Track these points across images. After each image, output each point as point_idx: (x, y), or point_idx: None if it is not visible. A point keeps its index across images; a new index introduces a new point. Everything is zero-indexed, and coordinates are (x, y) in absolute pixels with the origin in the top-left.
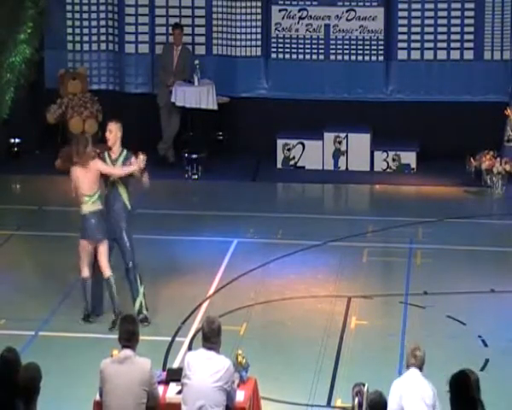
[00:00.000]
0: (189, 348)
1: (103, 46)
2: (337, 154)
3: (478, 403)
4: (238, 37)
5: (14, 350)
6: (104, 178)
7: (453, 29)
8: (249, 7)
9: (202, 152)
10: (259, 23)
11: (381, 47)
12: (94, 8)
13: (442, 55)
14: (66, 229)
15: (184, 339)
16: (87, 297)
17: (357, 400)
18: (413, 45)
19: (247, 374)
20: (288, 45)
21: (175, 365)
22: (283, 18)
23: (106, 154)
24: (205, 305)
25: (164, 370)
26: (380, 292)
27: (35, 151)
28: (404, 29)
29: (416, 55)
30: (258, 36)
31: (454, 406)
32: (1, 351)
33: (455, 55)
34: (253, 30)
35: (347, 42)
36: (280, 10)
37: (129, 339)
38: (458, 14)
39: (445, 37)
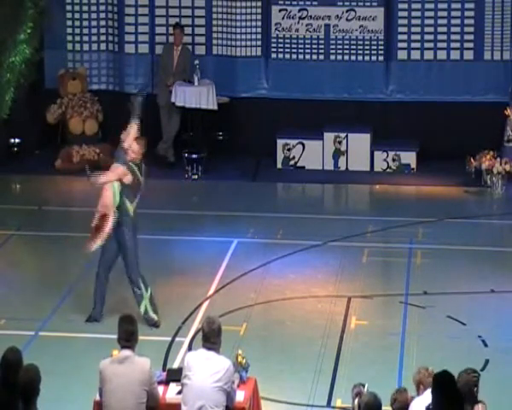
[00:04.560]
0: (189, 348)
1: (103, 46)
2: (337, 154)
3: (460, 401)
4: (238, 37)
5: (17, 351)
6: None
7: (453, 29)
8: (249, 7)
9: (202, 152)
10: (259, 23)
11: (381, 47)
12: (94, 8)
13: (442, 55)
14: (66, 229)
15: (184, 339)
16: None
17: (357, 400)
18: (413, 45)
19: (247, 374)
20: (288, 45)
21: (175, 365)
22: (283, 18)
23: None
24: (205, 305)
25: (164, 370)
26: (380, 292)
27: (35, 151)
28: (404, 29)
29: (416, 55)
30: (259, 36)
31: (436, 404)
32: (3, 351)
33: (455, 55)
34: (253, 30)
35: (347, 42)
36: (280, 10)
37: (128, 339)
38: (458, 14)
39: (444, 37)
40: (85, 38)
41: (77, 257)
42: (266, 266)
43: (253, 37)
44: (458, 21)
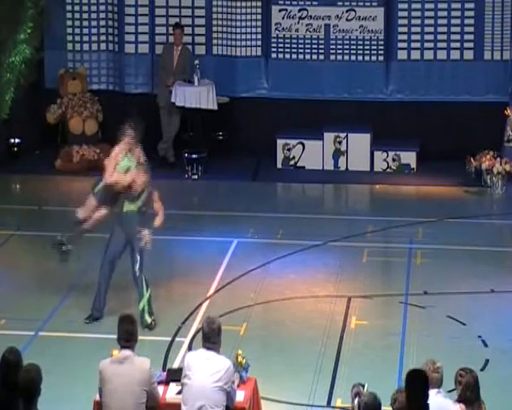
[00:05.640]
0: (189, 348)
1: (103, 46)
2: (337, 154)
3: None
4: (238, 37)
5: (17, 351)
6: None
7: (453, 29)
8: (249, 7)
9: (202, 152)
10: (259, 23)
11: (381, 47)
12: (94, 8)
13: (442, 55)
14: (66, 229)
15: (184, 339)
16: None
17: (356, 400)
18: (413, 45)
19: (247, 374)
20: (288, 45)
21: (175, 365)
22: (283, 18)
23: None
24: (205, 305)
25: (164, 370)
26: (380, 292)
27: (35, 151)
28: (404, 29)
29: (415, 55)
30: (259, 36)
31: (410, 402)
32: (2, 351)
33: (455, 55)
34: (253, 30)
35: (347, 42)
36: (280, 10)
37: (128, 339)
38: (458, 14)
39: (444, 37)
40: (85, 38)
41: (77, 257)
42: (266, 266)
43: (253, 37)
44: (458, 21)
